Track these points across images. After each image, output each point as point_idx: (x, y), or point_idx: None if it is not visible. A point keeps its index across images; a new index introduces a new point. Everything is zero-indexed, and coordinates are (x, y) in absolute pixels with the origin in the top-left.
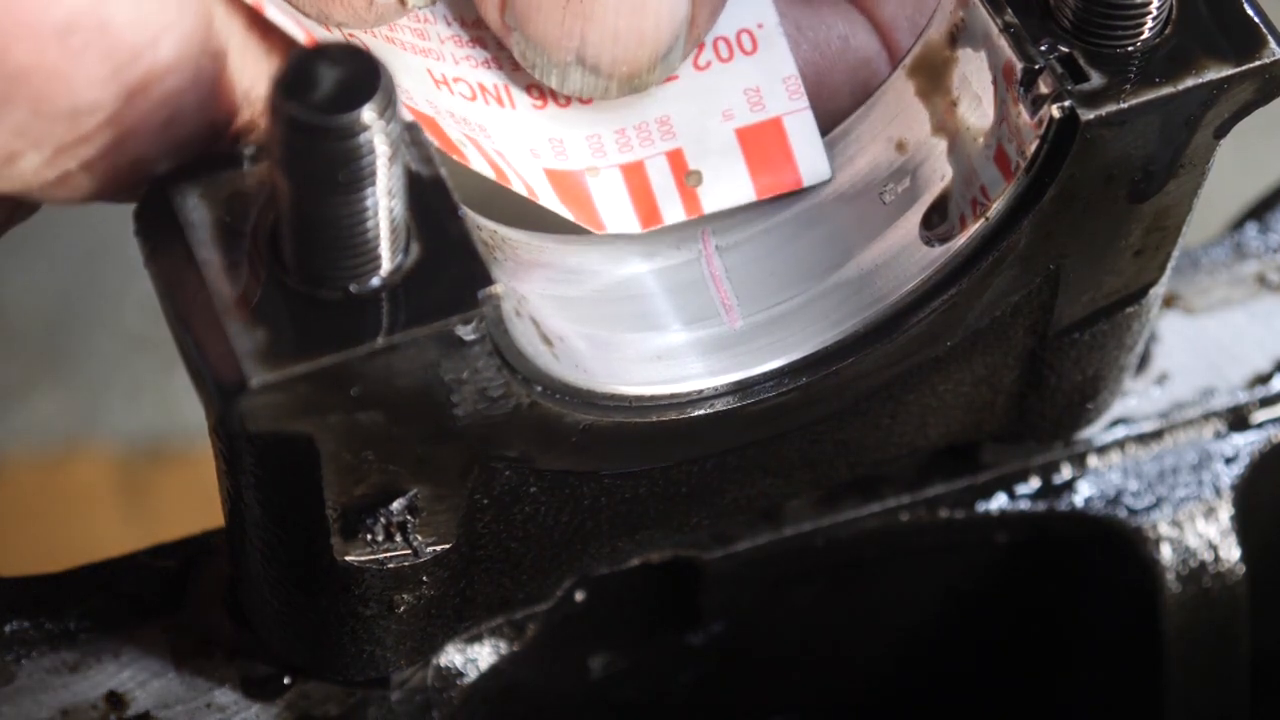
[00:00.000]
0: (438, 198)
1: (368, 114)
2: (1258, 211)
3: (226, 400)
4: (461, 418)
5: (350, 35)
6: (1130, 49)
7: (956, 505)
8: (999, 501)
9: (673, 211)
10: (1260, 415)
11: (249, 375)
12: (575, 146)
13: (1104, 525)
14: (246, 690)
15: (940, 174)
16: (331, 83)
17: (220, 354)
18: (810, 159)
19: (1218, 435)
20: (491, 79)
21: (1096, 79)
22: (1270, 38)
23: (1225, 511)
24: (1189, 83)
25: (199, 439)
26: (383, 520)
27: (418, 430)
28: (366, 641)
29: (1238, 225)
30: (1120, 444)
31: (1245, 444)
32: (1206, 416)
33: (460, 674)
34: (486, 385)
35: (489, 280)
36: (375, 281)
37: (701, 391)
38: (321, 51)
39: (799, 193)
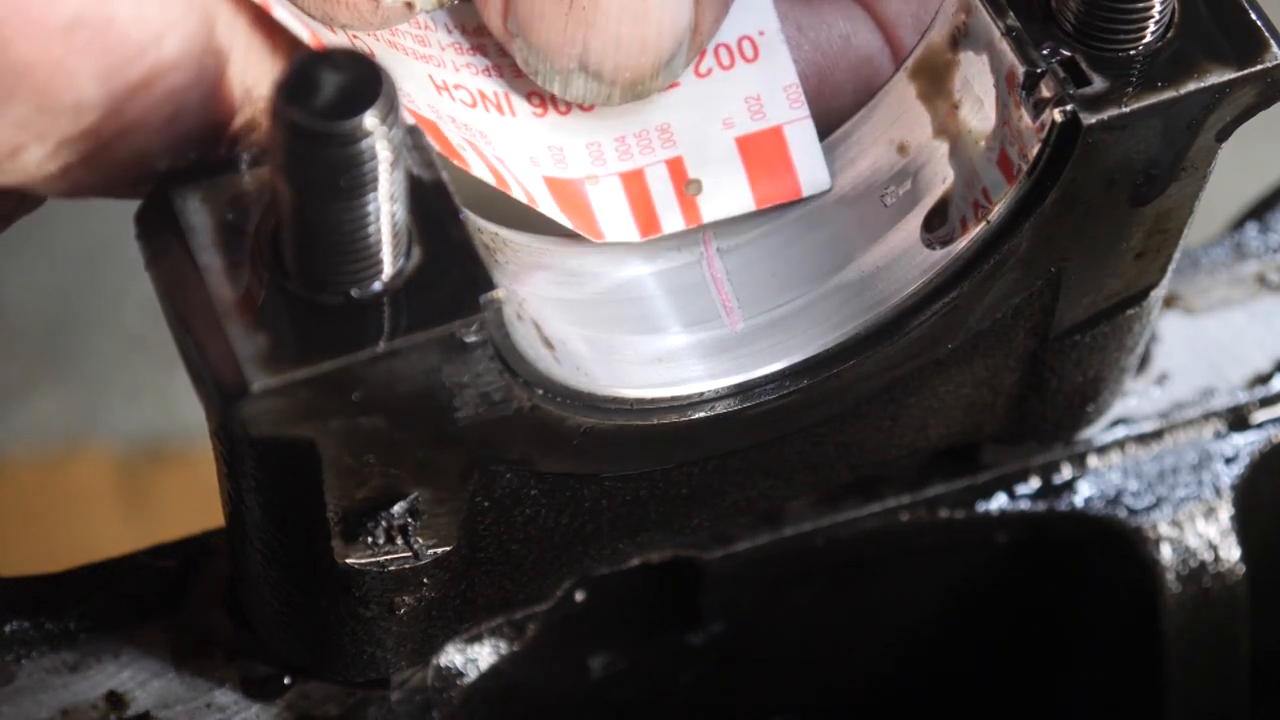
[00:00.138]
0: (439, 202)
1: (370, 120)
2: (1258, 211)
3: (228, 404)
4: (463, 421)
5: (354, 38)
6: (1132, 53)
7: (956, 505)
8: (999, 502)
9: (672, 220)
10: (1260, 415)
11: (250, 380)
12: (575, 154)
13: (1104, 525)
14: (246, 690)
15: (942, 177)
16: (334, 88)
17: (222, 358)
18: (810, 169)
19: (1218, 435)
20: (492, 86)
21: (1098, 83)
22: (1272, 41)
23: (1225, 511)
24: (1191, 87)
25: (199, 439)
26: (383, 523)
27: (419, 434)
28: (367, 642)
29: (1238, 225)
30: (1120, 444)
31: (1245, 444)
32: (1206, 416)
33: (460, 674)
34: (488, 389)
35: (490, 284)
36: (377, 286)
37: (702, 394)
38: (323, 57)
39: None
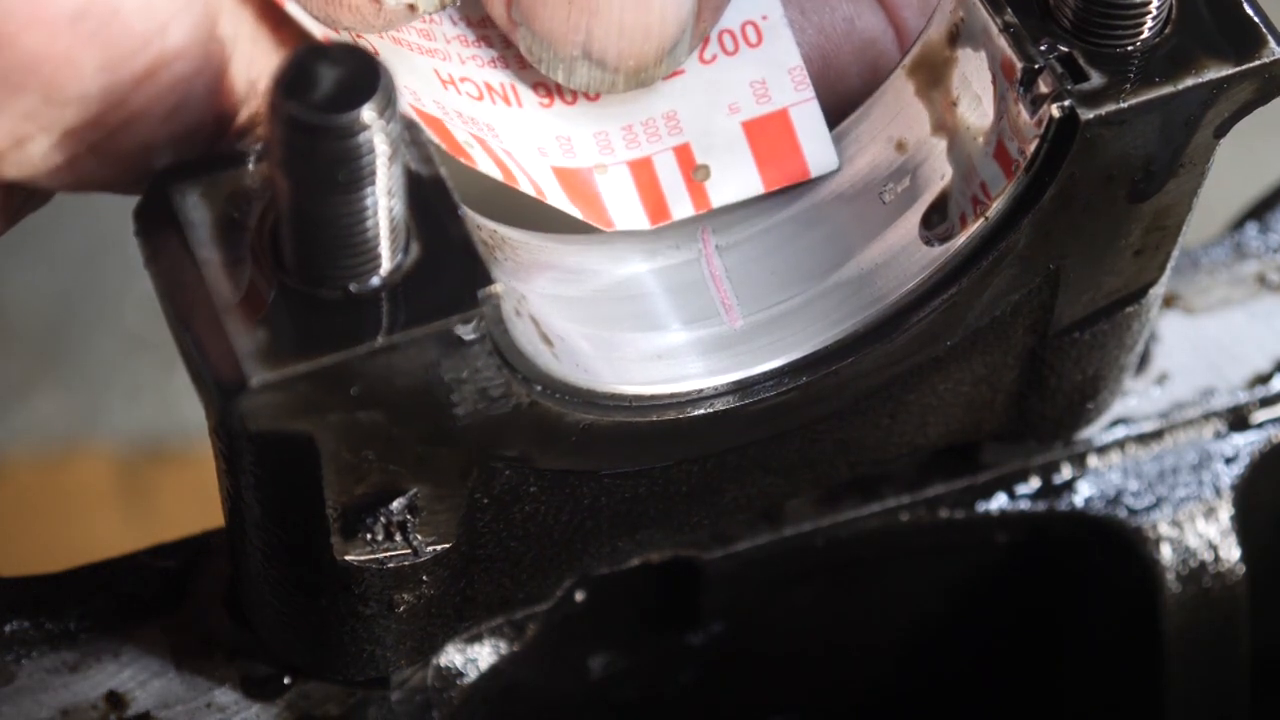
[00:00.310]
0: (438, 197)
1: (367, 113)
2: (1258, 211)
3: (227, 400)
4: (462, 417)
5: (358, 36)
6: (1130, 49)
7: (956, 505)
8: (999, 501)
9: (681, 207)
10: (1260, 415)
11: (249, 375)
12: (583, 144)
13: (1104, 525)
14: (246, 690)
15: (940, 173)
16: (331, 82)
17: (220, 354)
18: (817, 150)
19: (1218, 435)
20: (498, 78)
21: (1096, 79)
22: (1270, 37)
23: (1225, 511)
24: (1189, 82)
25: (199, 439)
26: (383, 520)
27: (418, 430)
28: (366, 641)
29: (1238, 225)
30: (1120, 444)
31: (1245, 444)
32: (1206, 416)
33: (460, 674)
34: (486, 385)
35: (489, 280)
36: (375, 281)
37: (701, 391)
38: (321, 51)
39: (799, 192)
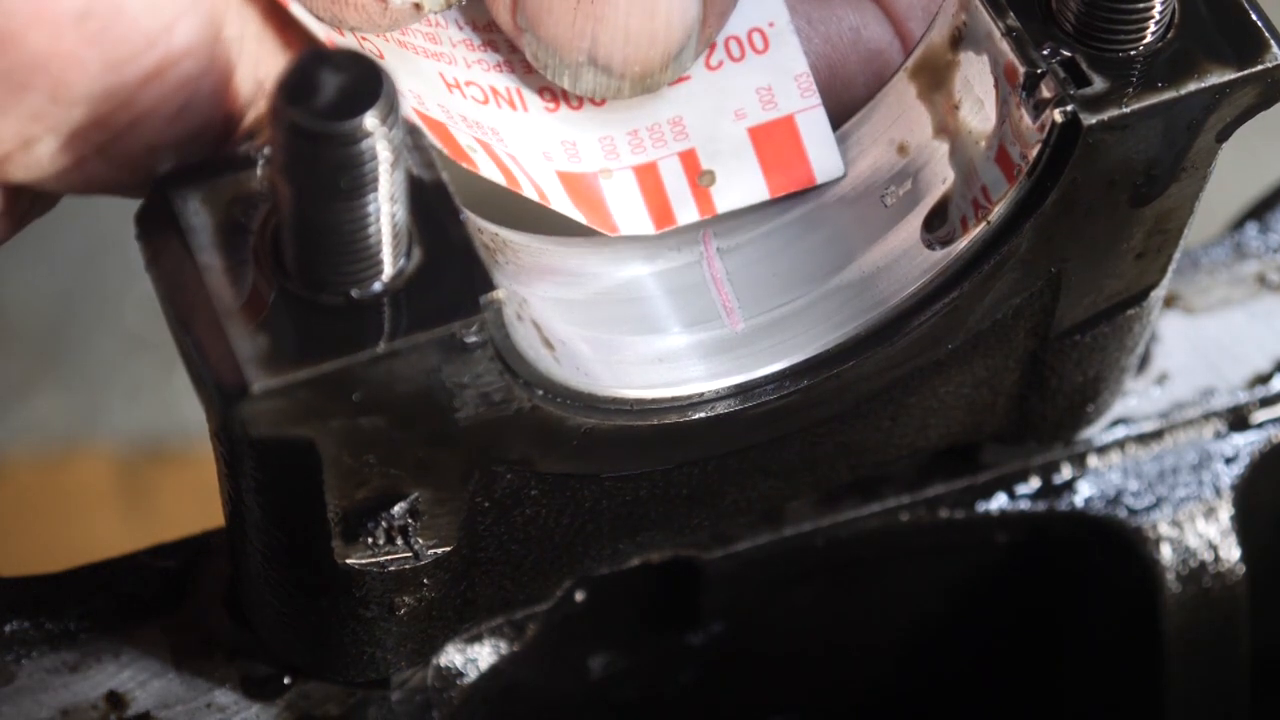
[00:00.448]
0: (439, 202)
1: (370, 120)
2: (1258, 211)
3: (228, 405)
4: (463, 422)
5: (363, 39)
6: (1132, 53)
7: (956, 505)
8: (999, 502)
9: (686, 212)
10: (1260, 415)
11: (250, 380)
12: (588, 149)
13: (1104, 525)
14: (246, 690)
15: (942, 177)
16: (334, 89)
17: (222, 359)
18: (823, 156)
19: (1218, 435)
20: (504, 82)
21: (1099, 83)
22: (1273, 42)
23: (1225, 511)
24: (1191, 87)
25: (199, 439)
26: (384, 523)
27: (419, 434)
28: (367, 643)
29: (1238, 225)
30: (1120, 444)
31: (1245, 444)
32: (1206, 416)
33: (460, 674)
34: (488, 389)
35: (491, 284)
36: (377, 287)
37: (703, 394)
38: (324, 57)
39: (801, 195)
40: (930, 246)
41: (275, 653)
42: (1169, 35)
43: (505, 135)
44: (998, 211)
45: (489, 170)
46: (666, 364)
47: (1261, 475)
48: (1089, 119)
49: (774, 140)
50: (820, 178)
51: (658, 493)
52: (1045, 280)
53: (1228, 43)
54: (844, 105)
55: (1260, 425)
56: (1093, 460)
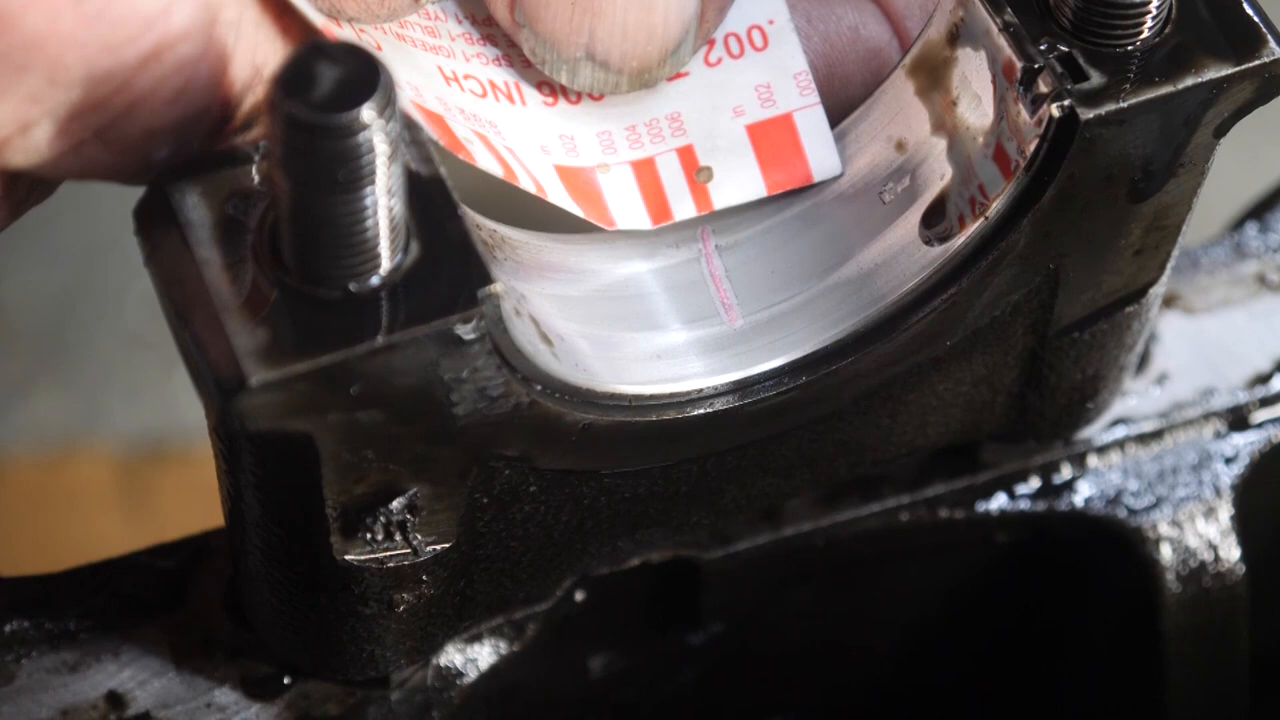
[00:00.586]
0: (437, 196)
1: (367, 113)
2: (1258, 211)
3: (226, 399)
4: (461, 417)
5: (361, 31)
6: (1130, 48)
7: (956, 505)
8: (999, 501)
9: (683, 208)
10: (1260, 415)
11: (248, 374)
12: (586, 143)
13: (1104, 525)
14: (246, 690)
15: (940, 173)
16: (331, 81)
17: (220, 353)
18: (821, 155)
19: (1218, 435)
20: (502, 76)
21: (1096, 78)
22: (1270, 37)
23: (1225, 511)
24: (1189, 82)
25: (199, 439)
26: (382, 519)
27: (417, 429)
28: (366, 641)
29: (1238, 225)
30: (1120, 444)
31: (1245, 444)
32: (1206, 416)
33: (460, 674)
34: (486, 384)
35: (488, 279)
36: (375, 280)
37: (701, 391)
38: (321, 50)
39: (799, 191)
40: (928, 243)
41: (275, 652)
42: (1166, 30)
43: (503, 129)
44: (996, 207)
45: (486, 162)
46: (665, 360)
47: (1261, 475)
48: (1086, 113)
49: (772, 138)
50: (818, 176)
51: (656, 490)
52: (1043, 277)
53: (1225, 38)
54: (842, 104)
55: (1260, 425)
56: (1093, 460)
